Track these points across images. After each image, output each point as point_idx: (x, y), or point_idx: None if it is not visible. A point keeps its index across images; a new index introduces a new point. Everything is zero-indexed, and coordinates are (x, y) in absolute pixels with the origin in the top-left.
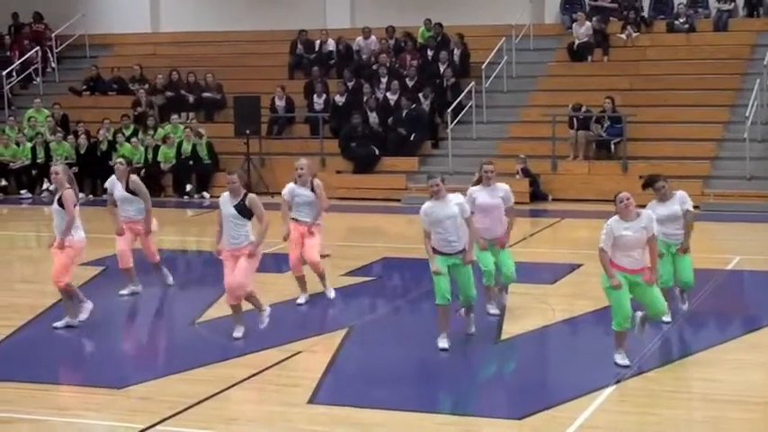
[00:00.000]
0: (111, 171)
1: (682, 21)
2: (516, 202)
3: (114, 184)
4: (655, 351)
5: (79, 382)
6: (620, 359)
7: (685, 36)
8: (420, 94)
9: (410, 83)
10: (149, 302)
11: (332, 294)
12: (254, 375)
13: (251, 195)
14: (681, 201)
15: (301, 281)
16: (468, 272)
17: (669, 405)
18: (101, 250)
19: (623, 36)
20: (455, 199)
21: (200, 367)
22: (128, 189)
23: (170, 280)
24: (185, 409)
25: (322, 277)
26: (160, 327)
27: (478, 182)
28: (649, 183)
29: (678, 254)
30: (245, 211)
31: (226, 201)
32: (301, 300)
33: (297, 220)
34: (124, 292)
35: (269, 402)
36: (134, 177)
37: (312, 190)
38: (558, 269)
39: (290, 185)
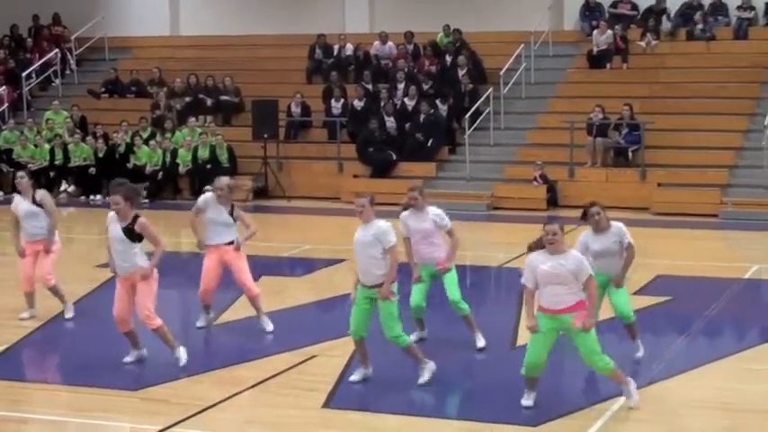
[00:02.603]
0: (128, 174)
1: (701, 28)
2: (533, 209)
3: (18, 201)
4: (671, 359)
5: (96, 383)
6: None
7: (705, 44)
8: (437, 100)
9: (428, 88)
10: (165, 305)
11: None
12: (269, 378)
13: (141, 220)
14: (618, 235)
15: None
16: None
17: (685, 414)
18: None
19: (642, 44)
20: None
21: (216, 370)
22: (34, 201)
23: (69, 313)
24: (201, 412)
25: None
26: (176, 329)
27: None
28: (585, 211)
29: (611, 287)
30: (133, 235)
31: (113, 220)
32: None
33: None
34: (24, 315)
35: (284, 406)
36: (41, 191)
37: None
38: None
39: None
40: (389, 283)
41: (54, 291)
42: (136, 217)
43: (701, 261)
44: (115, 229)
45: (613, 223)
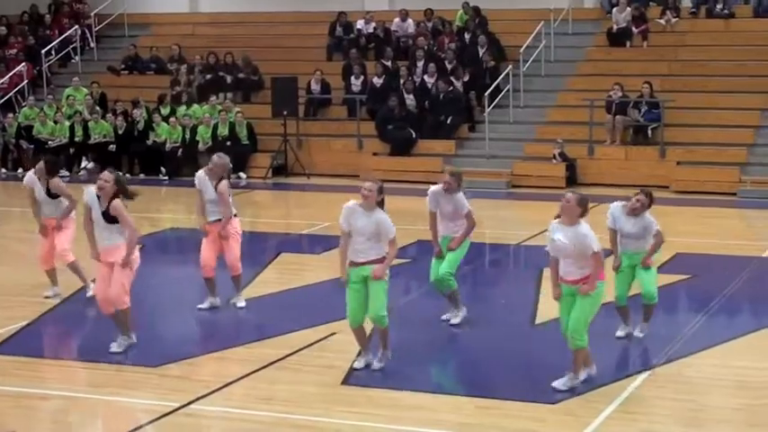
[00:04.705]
0: (148, 150)
1: (721, 6)
2: (552, 187)
3: (34, 182)
4: (690, 337)
5: (116, 360)
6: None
7: (724, 22)
8: (456, 79)
9: (448, 66)
10: (185, 282)
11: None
12: (289, 356)
13: (114, 202)
14: (647, 225)
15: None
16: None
17: (704, 391)
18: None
19: (662, 21)
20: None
21: (236, 347)
22: (48, 191)
23: (91, 291)
24: (220, 388)
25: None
26: (194, 306)
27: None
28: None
29: (640, 267)
30: (109, 218)
31: (94, 200)
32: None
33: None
34: (49, 293)
35: (304, 383)
36: (55, 180)
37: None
38: None
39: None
40: (386, 266)
41: (73, 268)
42: (112, 199)
43: (720, 239)
44: (96, 210)
45: (647, 215)
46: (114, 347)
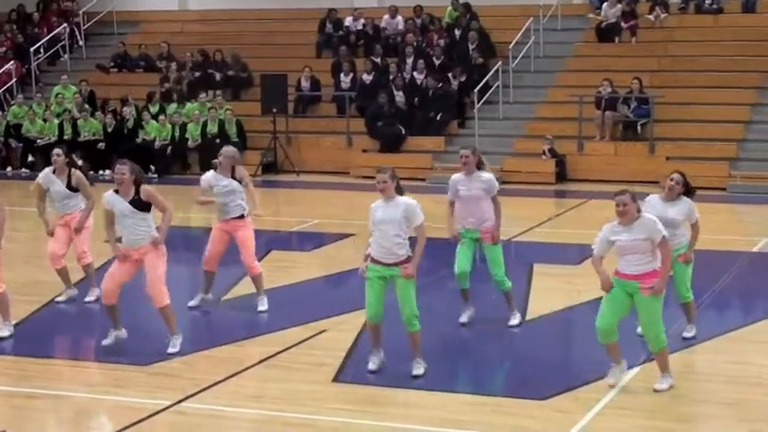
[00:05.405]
0: (137, 148)
1: (710, 2)
2: (542, 183)
3: (50, 179)
4: (680, 332)
5: (105, 358)
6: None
7: (713, 17)
8: (450, 75)
9: (437, 62)
10: (175, 280)
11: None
12: (279, 353)
13: (145, 187)
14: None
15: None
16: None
17: (694, 386)
18: None
19: (651, 17)
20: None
21: (226, 345)
22: (69, 185)
23: (92, 296)
24: (210, 386)
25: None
26: (185, 304)
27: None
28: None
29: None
30: (142, 205)
31: (115, 198)
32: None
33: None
34: (62, 298)
35: (294, 380)
36: (77, 174)
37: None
38: (584, 250)
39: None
40: (418, 260)
41: (87, 269)
42: (138, 188)
43: (709, 234)
44: (121, 204)
45: (686, 199)
46: (170, 348)
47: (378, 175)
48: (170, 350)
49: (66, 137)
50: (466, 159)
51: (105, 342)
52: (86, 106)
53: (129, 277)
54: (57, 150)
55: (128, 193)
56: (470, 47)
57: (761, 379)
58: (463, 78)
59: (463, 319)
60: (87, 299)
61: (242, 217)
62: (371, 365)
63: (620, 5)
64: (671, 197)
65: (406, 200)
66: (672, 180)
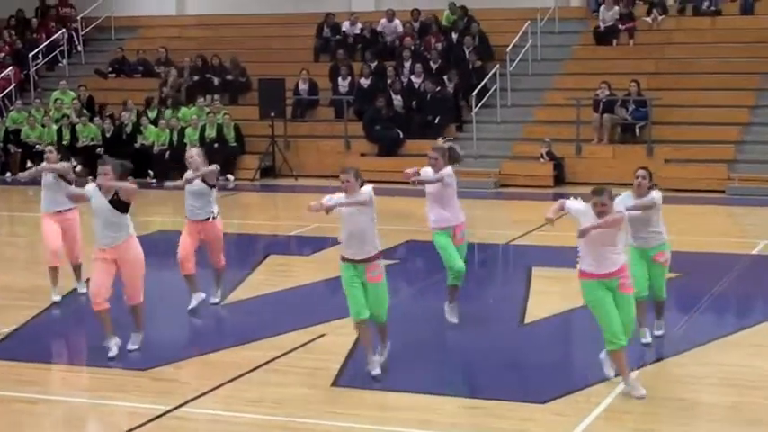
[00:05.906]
0: (136, 153)
1: (707, 4)
2: (540, 186)
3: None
4: (679, 335)
5: (104, 363)
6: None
7: (711, 19)
8: (445, 77)
9: (434, 66)
10: (173, 285)
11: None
12: (277, 358)
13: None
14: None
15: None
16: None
17: (693, 390)
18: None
19: (649, 19)
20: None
21: (224, 349)
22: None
23: (83, 288)
24: (209, 391)
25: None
26: (184, 309)
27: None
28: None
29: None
30: (120, 206)
31: (97, 193)
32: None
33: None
34: (56, 298)
35: (293, 385)
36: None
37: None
38: None
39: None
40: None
41: (78, 268)
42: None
43: (708, 237)
44: (101, 201)
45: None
46: (131, 344)
47: (342, 175)
48: (130, 346)
49: (64, 142)
50: (434, 162)
51: (110, 354)
52: (85, 111)
53: (112, 277)
54: (49, 147)
55: (108, 193)
56: (468, 50)
57: (760, 382)
58: (457, 81)
59: (455, 318)
60: (82, 290)
61: (209, 219)
62: (375, 372)
63: (617, 8)
64: (640, 193)
65: (362, 189)
66: (638, 177)
